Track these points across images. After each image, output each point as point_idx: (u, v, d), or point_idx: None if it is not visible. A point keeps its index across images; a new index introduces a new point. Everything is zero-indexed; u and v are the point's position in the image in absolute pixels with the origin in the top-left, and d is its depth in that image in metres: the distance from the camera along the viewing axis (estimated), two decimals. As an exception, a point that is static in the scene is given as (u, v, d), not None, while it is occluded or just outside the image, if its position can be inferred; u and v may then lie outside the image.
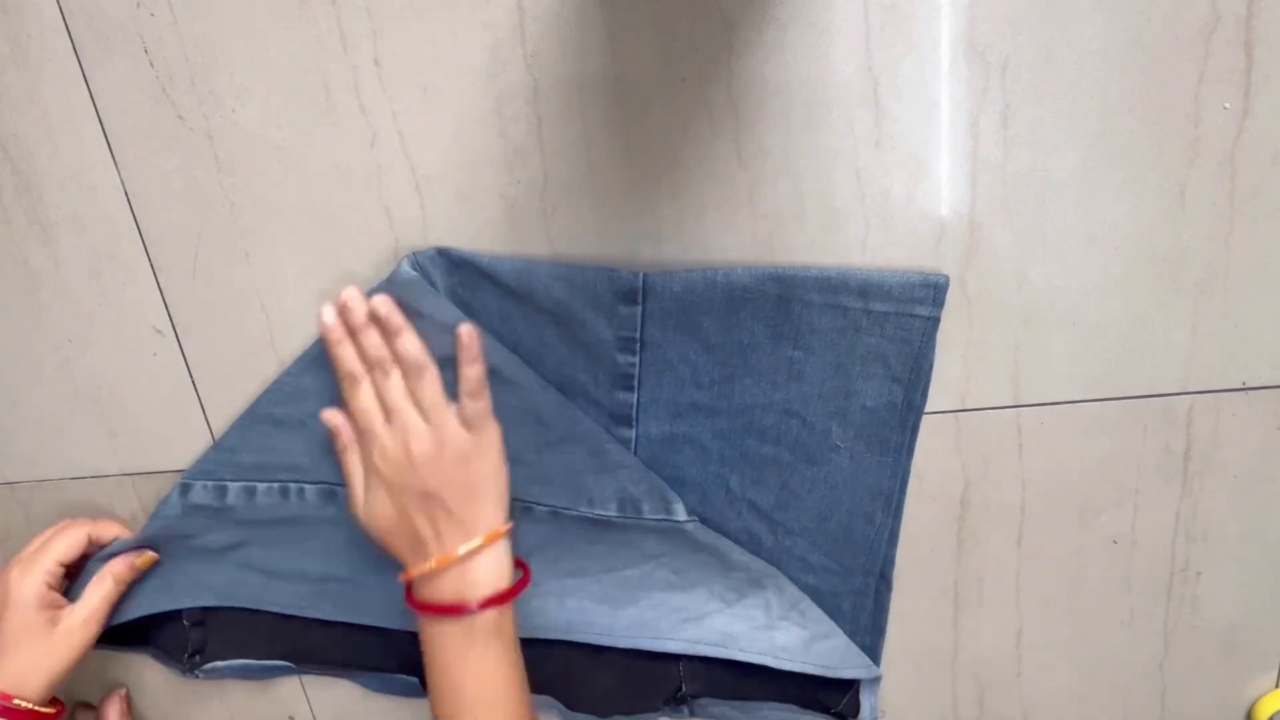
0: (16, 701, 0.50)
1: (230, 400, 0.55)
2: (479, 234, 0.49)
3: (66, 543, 0.54)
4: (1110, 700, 0.57)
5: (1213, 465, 0.50)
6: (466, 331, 0.47)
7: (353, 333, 0.48)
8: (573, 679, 0.57)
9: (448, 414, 0.47)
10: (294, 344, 0.53)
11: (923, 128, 0.44)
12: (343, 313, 0.47)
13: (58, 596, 0.53)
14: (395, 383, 0.47)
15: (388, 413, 0.47)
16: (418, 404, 0.47)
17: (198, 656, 0.61)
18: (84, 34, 0.47)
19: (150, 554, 0.56)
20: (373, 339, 0.47)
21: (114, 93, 0.48)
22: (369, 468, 0.49)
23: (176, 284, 0.53)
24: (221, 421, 0.56)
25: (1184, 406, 0.49)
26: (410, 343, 0.47)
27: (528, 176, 0.47)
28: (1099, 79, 0.42)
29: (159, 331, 0.54)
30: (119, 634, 0.58)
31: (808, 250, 0.47)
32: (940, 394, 0.49)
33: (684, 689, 0.56)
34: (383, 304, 0.47)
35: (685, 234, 0.47)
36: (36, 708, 0.51)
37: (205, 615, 0.60)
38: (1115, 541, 0.52)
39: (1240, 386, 0.48)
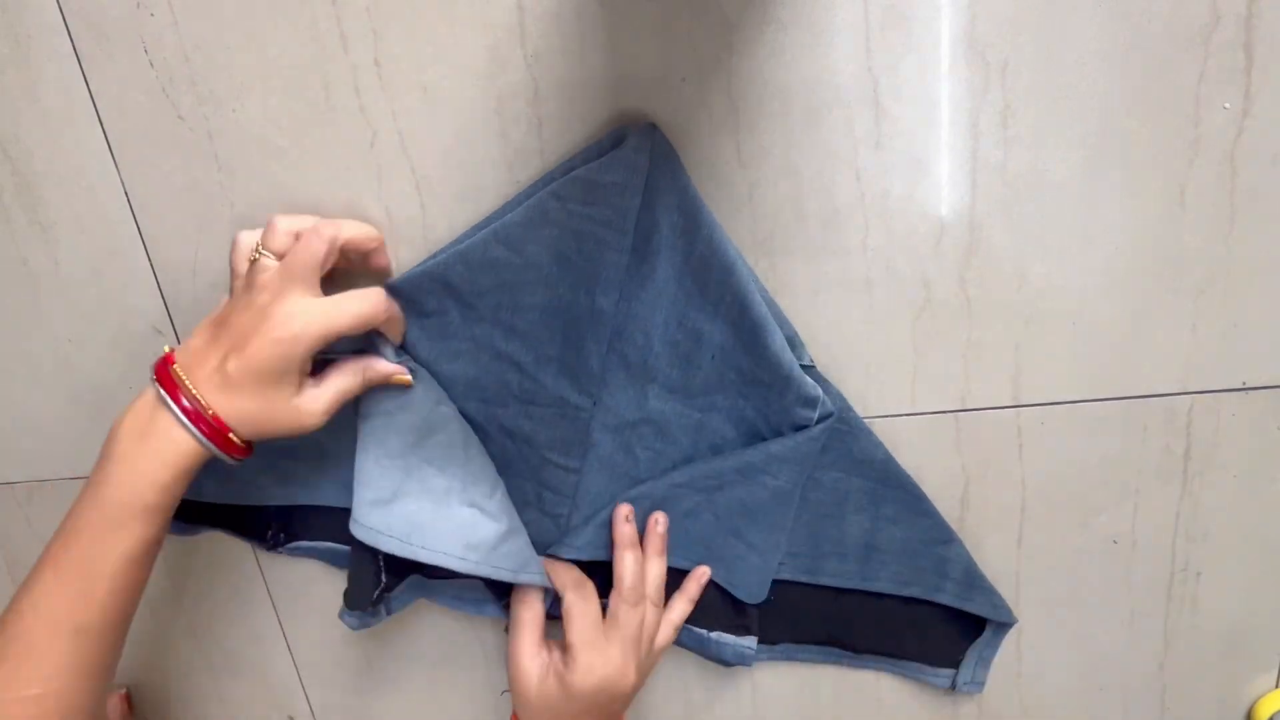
0: (231, 436, 0.43)
1: (230, 400, 0.55)
2: (479, 234, 0.49)
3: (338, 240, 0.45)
4: (1110, 700, 0.57)
5: (1213, 465, 0.50)
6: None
7: None
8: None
9: None
10: (294, 344, 0.53)
11: (923, 128, 0.44)
12: None
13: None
14: None
15: None
16: None
17: (281, 535, 0.57)
18: (84, 34, 0.47)
19: (407, 377, 0.48)
20: None
21: (114, 93, 0.49)
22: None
23: (176, 284, 0.53)
24: (221, 421, 0.56)
25: (1184, 406, 0.49)
26: None
27: (528, 176, 0.47)
28: (1099, 79, 0.42)
29: (159, 331, 0.54)
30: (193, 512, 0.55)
31: (808, 250, 0.47)
32: (940, 394, 0.49)
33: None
34: None
35: (685, 234, 0.47)
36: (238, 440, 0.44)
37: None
38: (1115, 541, 0.52)
39: (1240, 386, 0.48)
